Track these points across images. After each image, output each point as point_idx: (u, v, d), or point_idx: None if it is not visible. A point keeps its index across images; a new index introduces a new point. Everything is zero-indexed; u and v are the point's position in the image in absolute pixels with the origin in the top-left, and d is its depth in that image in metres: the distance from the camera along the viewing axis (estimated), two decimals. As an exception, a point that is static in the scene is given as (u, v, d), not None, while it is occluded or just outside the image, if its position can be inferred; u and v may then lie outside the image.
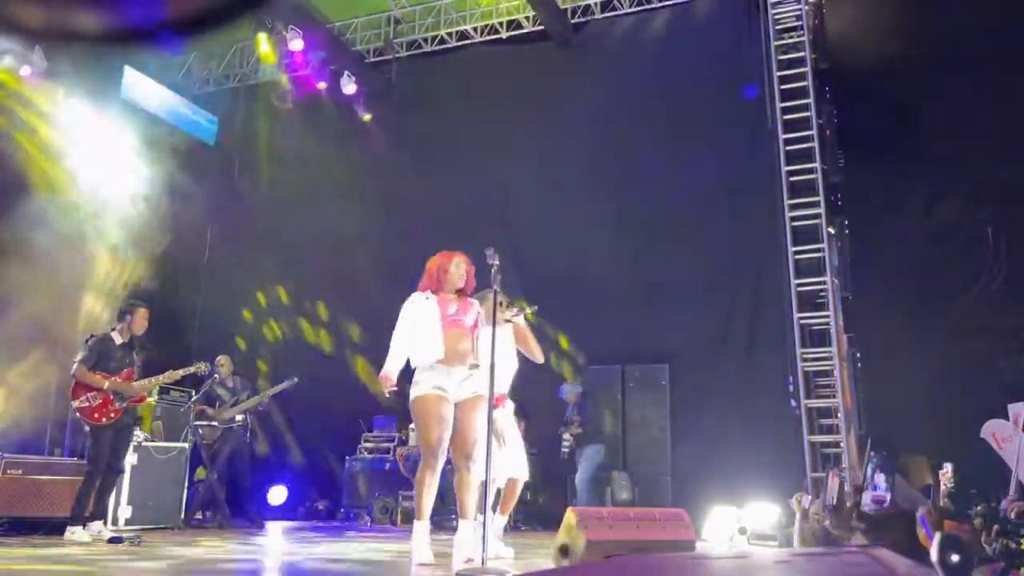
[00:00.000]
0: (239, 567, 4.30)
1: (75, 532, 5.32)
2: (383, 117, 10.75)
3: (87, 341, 5.76)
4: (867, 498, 5.93)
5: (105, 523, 5.65)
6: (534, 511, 8.42)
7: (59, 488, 5.99)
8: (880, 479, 6.10)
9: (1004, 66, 7.00)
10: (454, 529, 7.50)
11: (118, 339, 5.72)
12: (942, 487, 4.67)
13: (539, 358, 5.14)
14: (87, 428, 5.60)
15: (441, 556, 4.31)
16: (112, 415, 5.54)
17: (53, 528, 5.62)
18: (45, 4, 0.68)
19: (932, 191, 7.34)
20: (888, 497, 5.94)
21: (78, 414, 5.55)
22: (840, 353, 7.61)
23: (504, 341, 4.97)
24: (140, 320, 5.76)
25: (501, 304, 5.00)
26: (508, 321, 5.00)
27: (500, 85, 9.70)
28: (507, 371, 4.97)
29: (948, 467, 4.77)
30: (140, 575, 3.86)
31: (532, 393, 8.83)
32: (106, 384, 5.53)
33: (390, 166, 10.30)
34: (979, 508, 4.04)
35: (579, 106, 9.35)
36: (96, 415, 5.50)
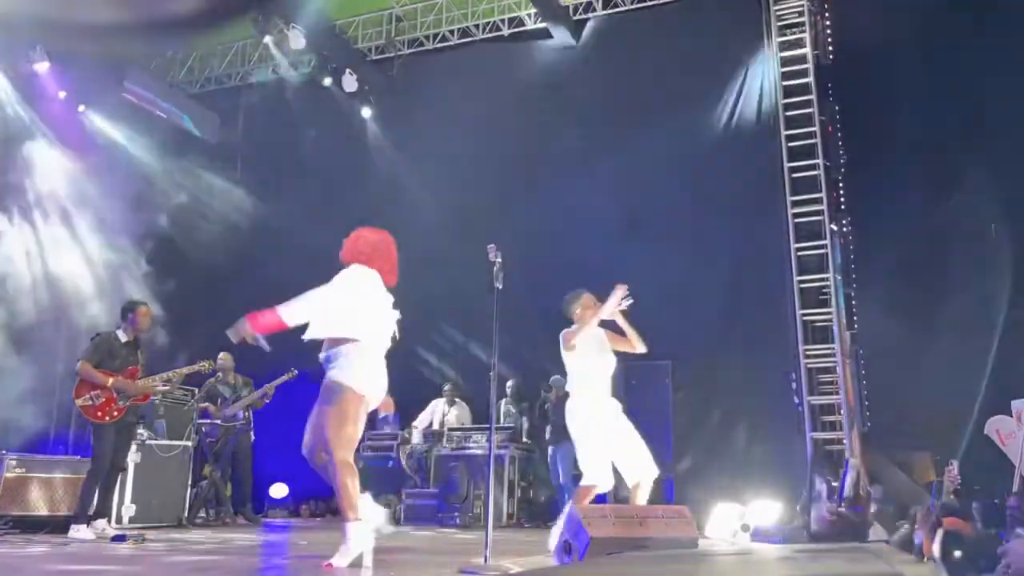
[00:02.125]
0: (243, 564, 4.30)
1: (79, 530, 5.34)
2: (385, 115, 10.74)
3: (93, 339, 5.78)
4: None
5: (109, 521, 5.67)
6: (535, 508, 8.43)
7: (63, 486, 6.01)
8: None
9: (1008, 63, 6.98)
10: (457, 526, 7.53)
11: (123, 337, 5.74)
12: (947, 484, 4.64)
13: (640, 348, 4.97)
14: (90, 426, 5.61)
15: (441, 554, 4.31)
16: (115, 413, 5.55)
17: (57, 526, 5.64)
18: (49, 2, 0.68)
19: (935, 187, 7.32)
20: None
21: (81, 412, 5.56)
22: (843, 350, 7.61)
23: (596, 338, 4.85)
24: (143, 318, 5.78)
25: (587, 304, 4.90)
26: (603, 318, 4.84)
27: (502, 82, 9.69)
28: (604, 369, 4.82)
29: (954, 464, 4.75)
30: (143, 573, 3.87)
31: (529, 393, 8.86)
32: (110, 382, 5.54)
33: (392, 163, 10.30)
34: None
35: (581, 103, 9.34)
36: (99, 413, 5.51)
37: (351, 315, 3.81)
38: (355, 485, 3.71)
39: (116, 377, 5.58)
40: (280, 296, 3.90)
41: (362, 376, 3.75)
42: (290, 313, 3.77)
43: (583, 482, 4.67)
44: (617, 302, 4.82)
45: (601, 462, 4.60)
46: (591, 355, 4.82)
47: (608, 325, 4.97)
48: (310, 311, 3.80)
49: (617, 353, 4.92)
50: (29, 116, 9.34)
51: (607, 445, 4.63)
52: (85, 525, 5.39)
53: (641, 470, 4.62)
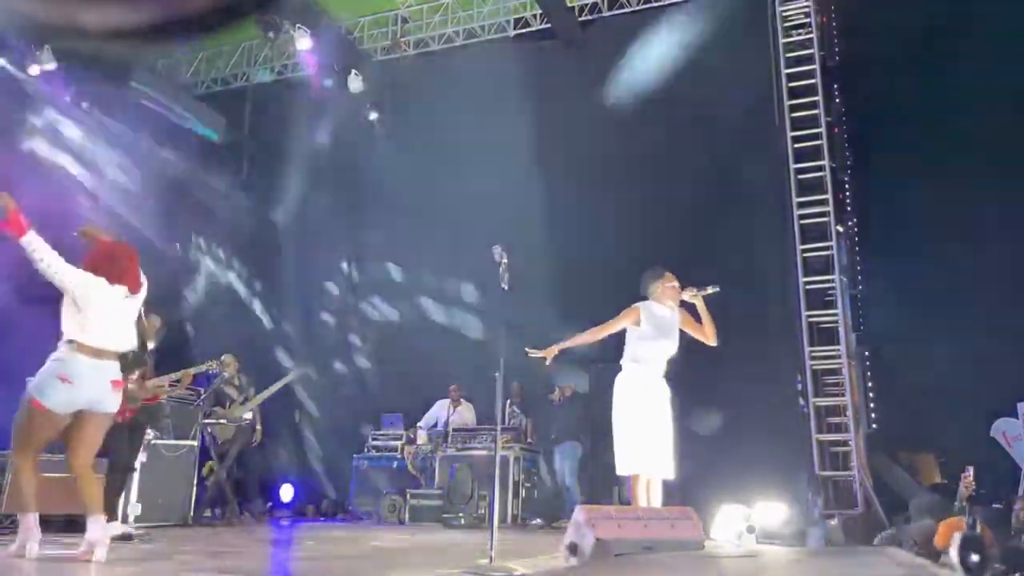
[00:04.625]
0: (241, 563, 4.31)
1: (112, 527, 5.36)
2: (390, 116, 10.76)
3: None
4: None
5: (113, 520, 5.68)
6: (539, 509, 8.43)
7: (69, 485, 6.01)
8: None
9: (1014, 63, 6.96)
10: (461, 527, 7.53)
11: None
12: (962, 490, 4.60)
13: (712, 340, 4.92)
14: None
15: (445, 554, 4.30)
16: (127, 414, 5.59)
17: (63, 525, 5.64)
18: (55, 3, 0.69)
19: (941, 188, 7.30)
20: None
21: None
22: (848, 351, 7.59)
23: (666, 319, 4.84)
24: (149, 328, 5.81)
25: (669, 281, 4.86)
26: (685, 301, 4.82)
27: (507, 83, 9.69)
28: (663, 352, 4.81)
29: (970, 471, 4.69)
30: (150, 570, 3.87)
31: (536, 392, 8.87)
32: (116, 383, 5.56)
33: (397, 164, 10.31)
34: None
35: (586, 104, 9.33)
36: (111, 413, 5.54)
37: (76, 316, 4.02)
38: (27, 485, 4.00)
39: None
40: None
41: (50, 389, 3.94)
42: (34, 243, 3.91)
43: (622, 472, 4.66)
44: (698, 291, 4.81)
45: (636, 447, 4.58)
46: (653, 335, 4.78)
47: (687, 308, 4.94)
48: (47, 260, 3.92)
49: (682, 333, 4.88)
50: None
51: (643, 428, 4.60)
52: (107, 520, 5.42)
53: (656, 465, 4.62)
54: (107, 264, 4.16)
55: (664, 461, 4.66)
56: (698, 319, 4.93)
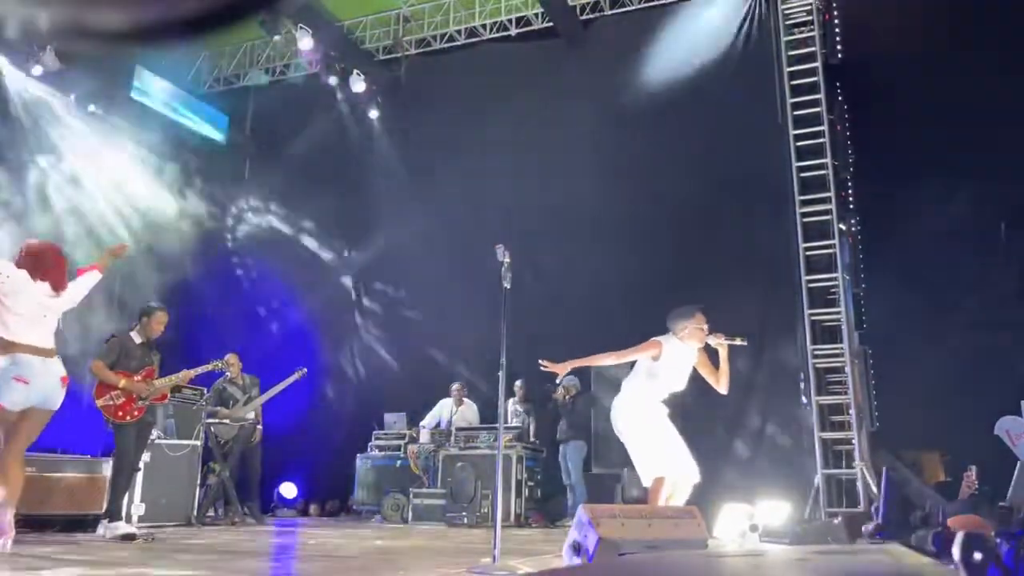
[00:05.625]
0: (244, 563, 4.31)
1: (110, 527, 5.38)
2: (392, 115, 10.76)
3: (108, 340, 5.83)
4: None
5: (118, 520, 5.68)
6: (543, 508, 8.43)
7: (72, 485, 6.04)
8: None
9: (1018, 63, 6.95)
10: (465, 526, 7.53)
11: (137, 339, 5.78)
12: (964, 489, 4.60)
13: (723, 389, 4.89)
14: (111, 426, 5.65)
15: (449, 553, 4.30)
16: (136, 413, 5.60)
17: (66, 525, 5.66)
18: (56, 3, 0.69)
19: (944, 186, 7.29)
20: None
21: (102, 412, 5.60)
22: (851, 349, 7.59)
23: (685, 358, 4.81)
24: (156, 323, 5.82)
25: (699, 323, 4.79)
26: (710, 345, 4.78)
27: (509, 82, 9.69)
28: (670, 387, 4.80)
29: (973, 469, 4.69)
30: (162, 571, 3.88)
31: (538, 392, 8.87)
32: (121, 383, 5.58)
33: (399, 164, 10.32)
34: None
35: (588, 103, 9.33)
36: (120, 413, 5.55)
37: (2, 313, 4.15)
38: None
39: (129, 378, 5.62)
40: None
41: (7, 390, 4.08)
42: None
43: (647, 481, 4.63)
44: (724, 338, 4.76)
45: (660, 451, 4.58)
46: (667, 373, 4.75)
47: (707, 351, 4.90)
48: None
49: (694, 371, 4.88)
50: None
51: (662, 436, 4.62)
52: (112, 520, 5.44)
53: (688, 470, 4.62)
54: (30, 260, 4.34)
55: (693, 466, 4.67)
56: (715, 363, 4.89)
